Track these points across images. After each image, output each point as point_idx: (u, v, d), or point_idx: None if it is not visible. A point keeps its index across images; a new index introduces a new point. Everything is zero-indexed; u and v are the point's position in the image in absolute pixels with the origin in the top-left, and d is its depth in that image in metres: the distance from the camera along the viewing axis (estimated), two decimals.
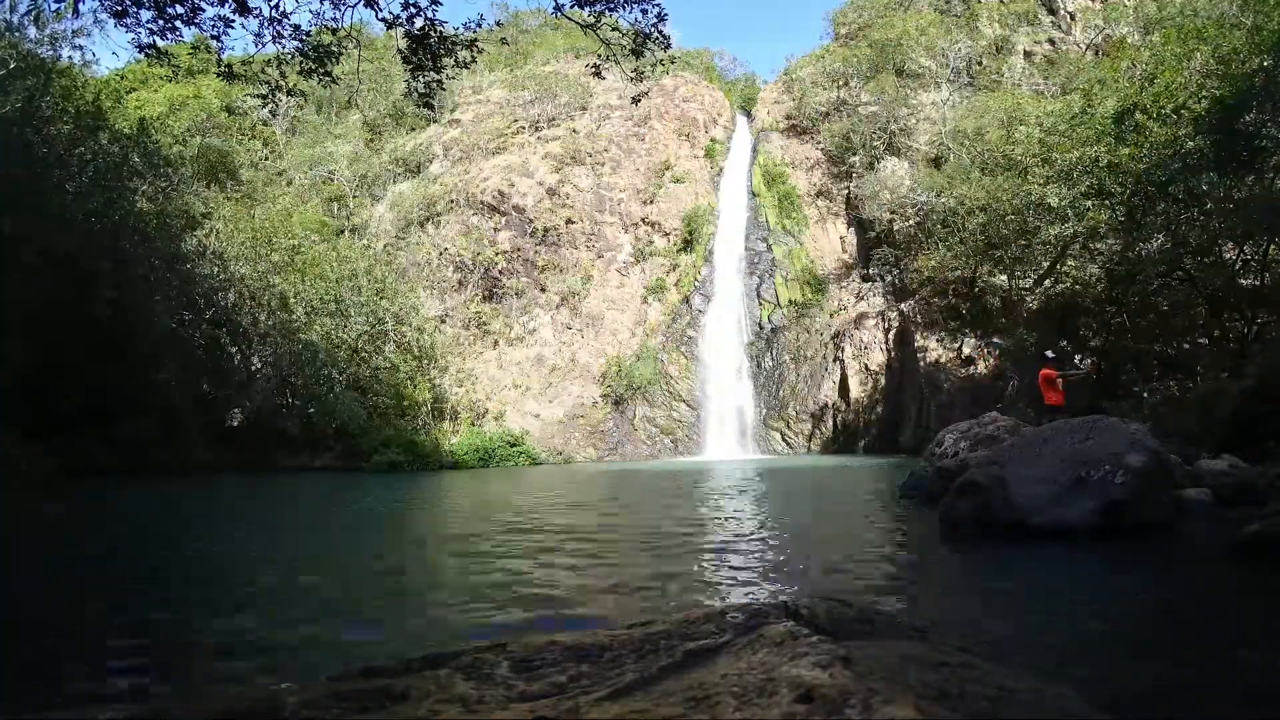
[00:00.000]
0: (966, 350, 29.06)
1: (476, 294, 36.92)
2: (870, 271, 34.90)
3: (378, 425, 27.64)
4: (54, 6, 23.74)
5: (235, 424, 26.26)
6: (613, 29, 9.47)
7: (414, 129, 47.90)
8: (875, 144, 36.71)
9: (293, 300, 27.86)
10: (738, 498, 11.95)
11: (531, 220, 38.06)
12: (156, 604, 4.84)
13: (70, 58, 25.76)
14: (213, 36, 8.51)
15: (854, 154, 37.41)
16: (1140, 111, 16.09)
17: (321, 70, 8.68)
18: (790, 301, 34.87)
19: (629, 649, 1.21)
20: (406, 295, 32.29)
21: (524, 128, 43.38)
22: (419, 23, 8.62)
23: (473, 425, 31.06)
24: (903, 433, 29.36)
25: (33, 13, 24.22)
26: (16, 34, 23.64)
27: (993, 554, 5.73)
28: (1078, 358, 19.43)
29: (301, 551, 7.32)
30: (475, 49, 9.13)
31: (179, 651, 3.66)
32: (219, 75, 9.58)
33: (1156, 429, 9.36)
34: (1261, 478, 7.63)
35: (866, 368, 31.97)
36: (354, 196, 44.09)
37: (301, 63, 8.69)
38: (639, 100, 12.65)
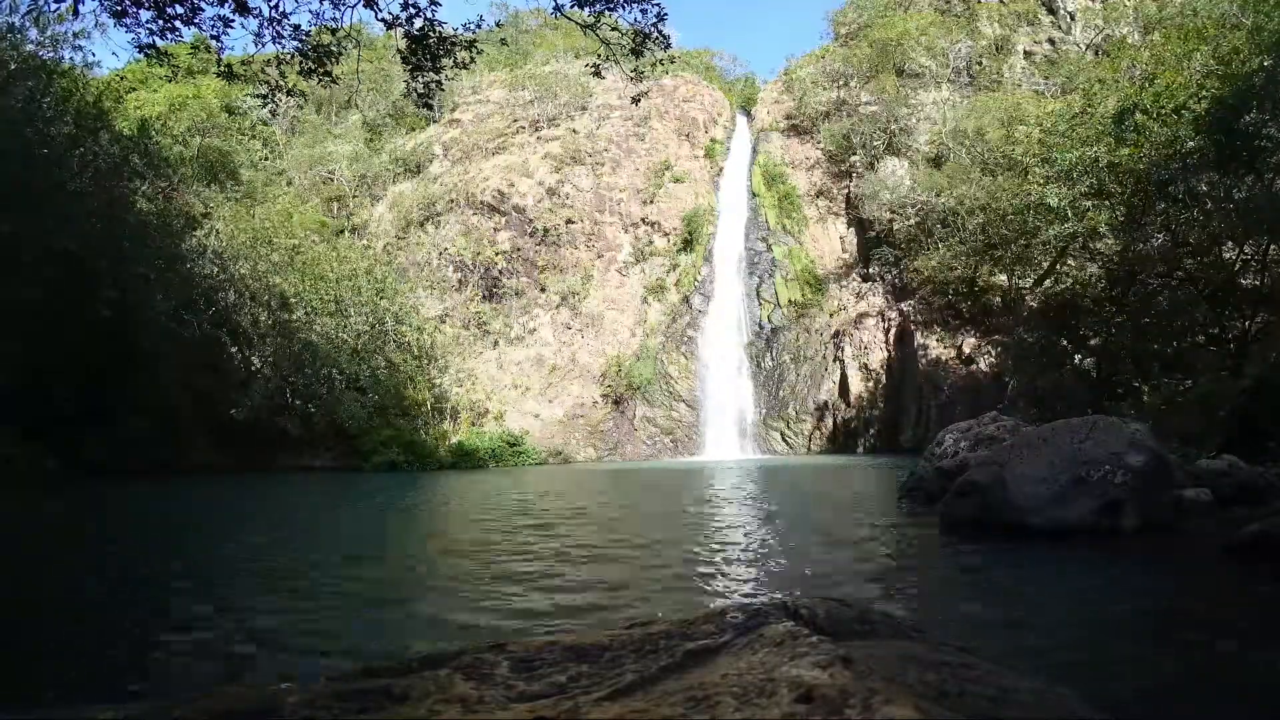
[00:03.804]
0: (966, 350, 29.08)
1: (476, 294, 36.92)
2: (870, 271, 34.90)
3: (378, 425, 27.64)
4: (54, 8, 23.75)
5: (235, 424, 26.24)
6: (612, 29, 9.46)
7: (414, 129, 47.91)
8: (875, 144, 36.71)
9: (293, 300, 27.86)
10: (737, 498, 11.95)
11: (531, 220, 38.06)
12: (158, 603, 4.84)
13: (71, 59, 25.78)
14: (212, 36, 8.51)
15: (854, 154, 37.40)
16: (1140, 111, 16.08)
17: (321, 70, 8.68)
18: (790, 301, 34.86)
19: (629, 649, 1.21)
20: (406, 295, 32.28)
21: (524, 128, 43.37)
22: (419, 23, 8.62)
23: (473, 425, 31.06)
24: (903, 432, 29.36)
25: (33, 14, 24.24)
26: (18, 36, 23.65)
27: (992, 554, 5.73)
28: (1077, 357, 19.43)
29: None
30: (475, 49, 9.13)
31: (179, 650, 3.66)
32: (219, 75, 9.58)
33: (1156, 429, 9.35)
34: (1261, 478, 7.63)
35: (866, 367, 31.96)
36: (354, 196, 44.07)
37: (301, 63, 8.69)
38: (639, 100, 12.65)
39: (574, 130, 41.82)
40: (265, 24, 8.55)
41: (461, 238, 37.89)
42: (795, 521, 8.76)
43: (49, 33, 25.05)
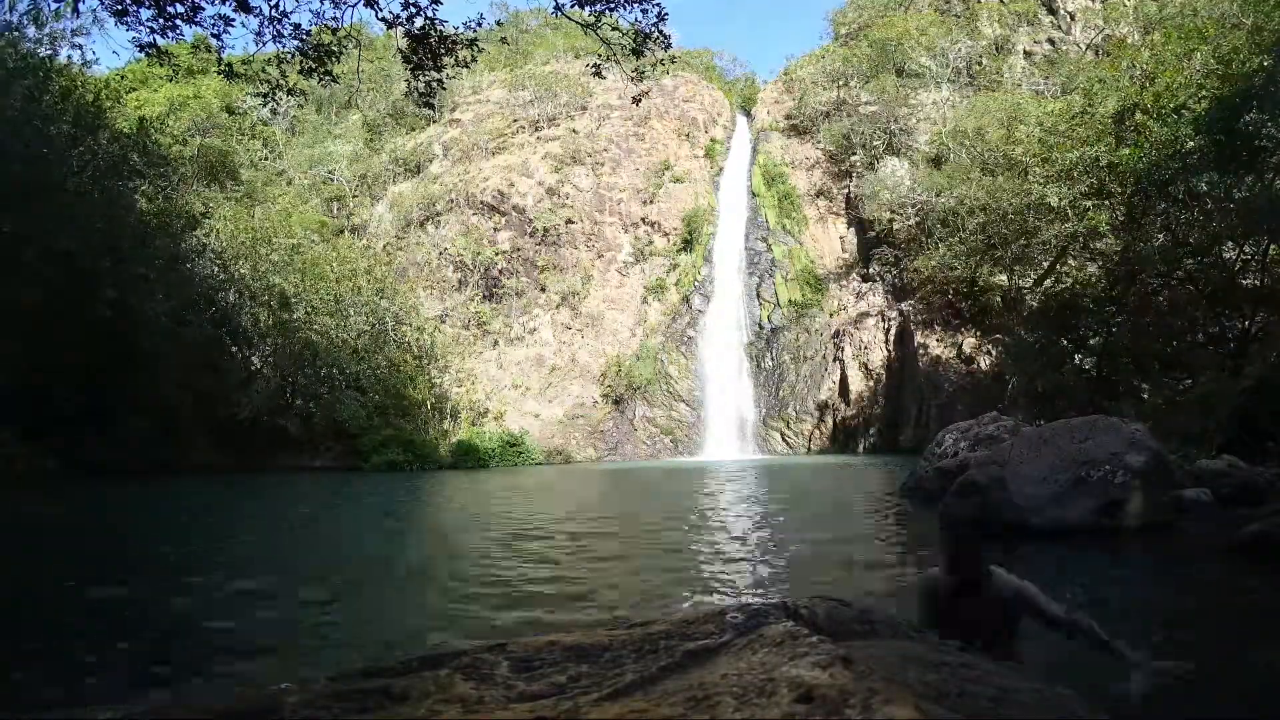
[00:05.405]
0: (967, 349, 29.07)
1: (476, 294, 36.92)
2: (870, 271, 34.89)
3: (378, 425, 27.63)
4: (53, 6, 23.75)
5: (235, 424, 26.24)
6: (613, 29, 9.44)
7: (414, 129, 47.90)
8: (875, 144, 36.71)
9: (293, 300, 27.87)
10: (737, 497, 11.94)
11: (531, 220, 38.05)
12: (157, 603, 4.84)
13: (70, 57, 25.76)
14: (213, 35, 8.49)
15: (854, 154, 37.41)
16: (1140, 111, 16.08)
17: (321, 70, 8.66)
18: (790, 301, 34.86)
19: (629, 649, 1.21)
20: (406, 295, 32.28)
21: (524, 128, 43.37)
22: (419, 22, 8.60)
23: (473, 425, 31.05)
24: (903, 432, 29.36)
25: (32, 12, 24.22)
26: (16, 33, 23.63)
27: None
28: (1077, 357, 19.44)
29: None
30: (475, 49, 9.11)
31: (180, 650, 3.66)
32: (219, 74, 9.56)
33: (1156, 429, 9.35)
34: (1261, 477, 7.63)
35: (866, 367, 31.95)
36: (354, 196, 44.08)
37: (302, 62, 8.67)
38: (639, 100, 12.61)
39: (574, 130, 41.81)
40: (266, 23, 8.54)
41: (461, 238, 37.89)
42: (795, 521, 8.76)
43: (47, 29, 25.04)
